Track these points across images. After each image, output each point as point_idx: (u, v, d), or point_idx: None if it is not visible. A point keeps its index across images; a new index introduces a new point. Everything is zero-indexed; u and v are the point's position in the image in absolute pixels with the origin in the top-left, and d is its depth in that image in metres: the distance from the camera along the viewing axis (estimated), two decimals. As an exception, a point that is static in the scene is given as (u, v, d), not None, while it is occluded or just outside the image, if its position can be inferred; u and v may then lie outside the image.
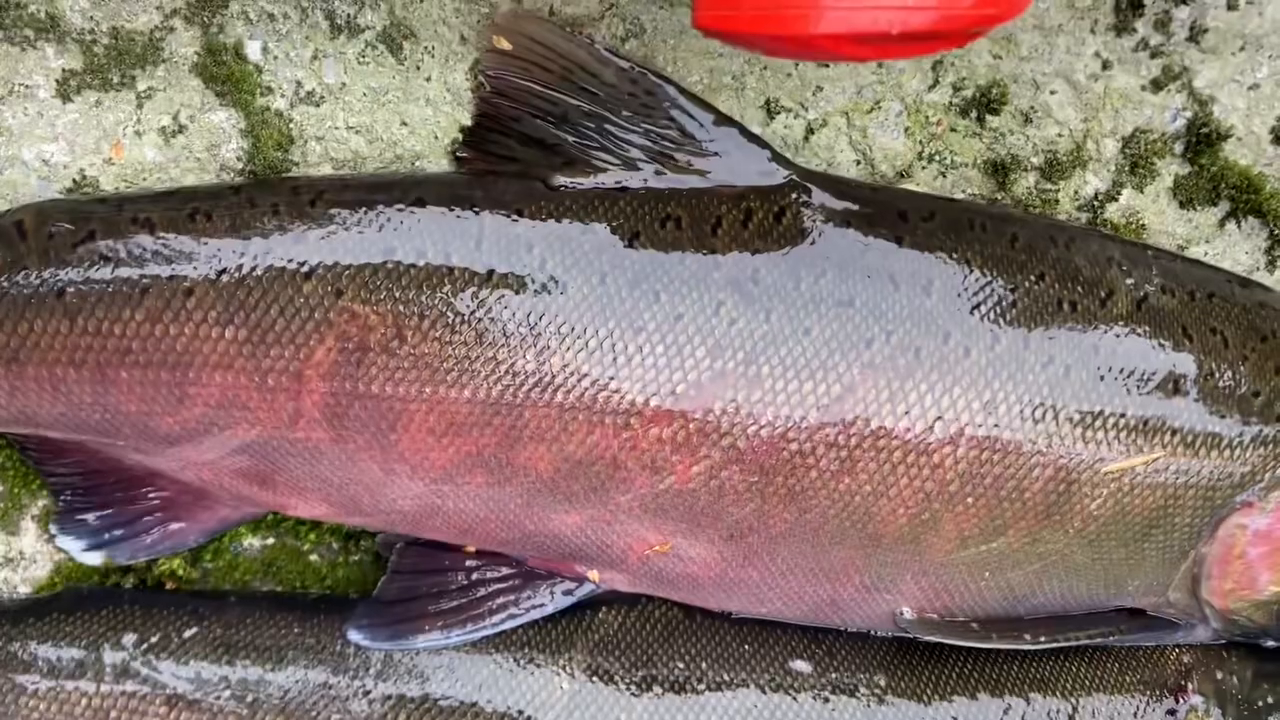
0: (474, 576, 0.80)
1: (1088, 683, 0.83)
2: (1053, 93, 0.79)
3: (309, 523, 0.85)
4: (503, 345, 0.69)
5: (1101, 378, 0.73)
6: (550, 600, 0.80)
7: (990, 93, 0.78)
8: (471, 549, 0.81)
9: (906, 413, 0.72)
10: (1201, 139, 0.81)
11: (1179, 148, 0.82)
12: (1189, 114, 0.80)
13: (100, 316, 0.70)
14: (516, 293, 0.70)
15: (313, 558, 0.87)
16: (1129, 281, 0.76)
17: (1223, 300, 0.78)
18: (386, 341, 0.69)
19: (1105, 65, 0.78)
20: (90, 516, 0.81)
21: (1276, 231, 0.84)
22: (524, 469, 0.73)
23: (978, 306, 0.72)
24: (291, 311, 0.69)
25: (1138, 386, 0.74)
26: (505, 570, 0.80)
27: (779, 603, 0.80)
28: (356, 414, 0.71)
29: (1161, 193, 0.83)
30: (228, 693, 0.77)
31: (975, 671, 0.83)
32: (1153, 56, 0.78)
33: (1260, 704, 0.84)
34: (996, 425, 0.73)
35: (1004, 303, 0.73)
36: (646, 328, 0.69)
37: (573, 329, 0.69)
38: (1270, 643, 0.85)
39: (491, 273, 0.70)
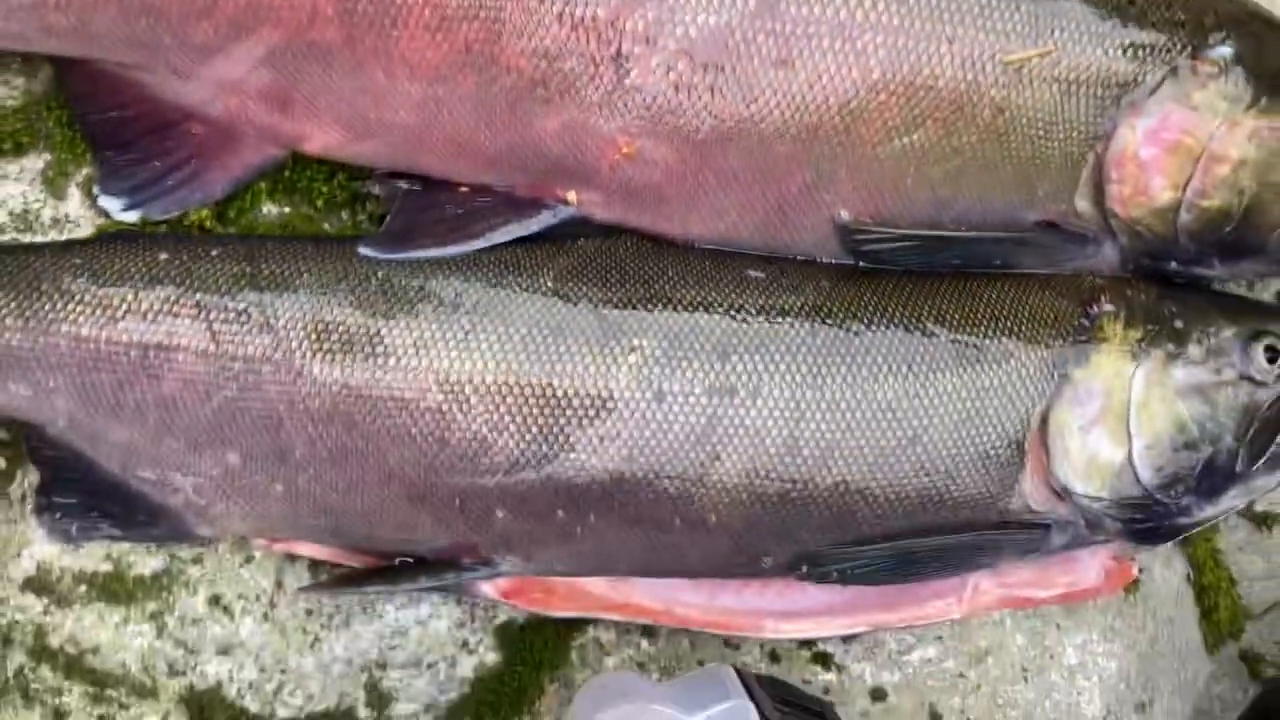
0: (467, 206, 0.92)
1: (1014, 297, 0.94)
2: None
3: (322, 187, 0.96)
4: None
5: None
6: (535, 220, 0.91)
7: None
8: (465, 188, 0.93)
9: (836, 6, 0.84)
10: None
11: None
12: None
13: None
14: None
15: (325, 225, 0.98)
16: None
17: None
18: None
19: None
20: (128, 173, 0.93)
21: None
22: (507, 67, 0.85)
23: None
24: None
25: (1028, -14, 0.87)
26: (494, 199, 0.92)
27: (734, 214, 0.91)
28: (363, 10, 0.83)
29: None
30: (254, 295, 0.88)
31: (909, 287, 0.93)
32: None
33: (1165, 313, 0.95)
34: (910, 15, 0.85)
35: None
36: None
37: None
38: (1174, 264, 0.97)
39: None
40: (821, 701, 0.97)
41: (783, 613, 0.98)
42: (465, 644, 0.99)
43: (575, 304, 0.88)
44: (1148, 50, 0.90)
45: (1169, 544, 1.03)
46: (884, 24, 0.85)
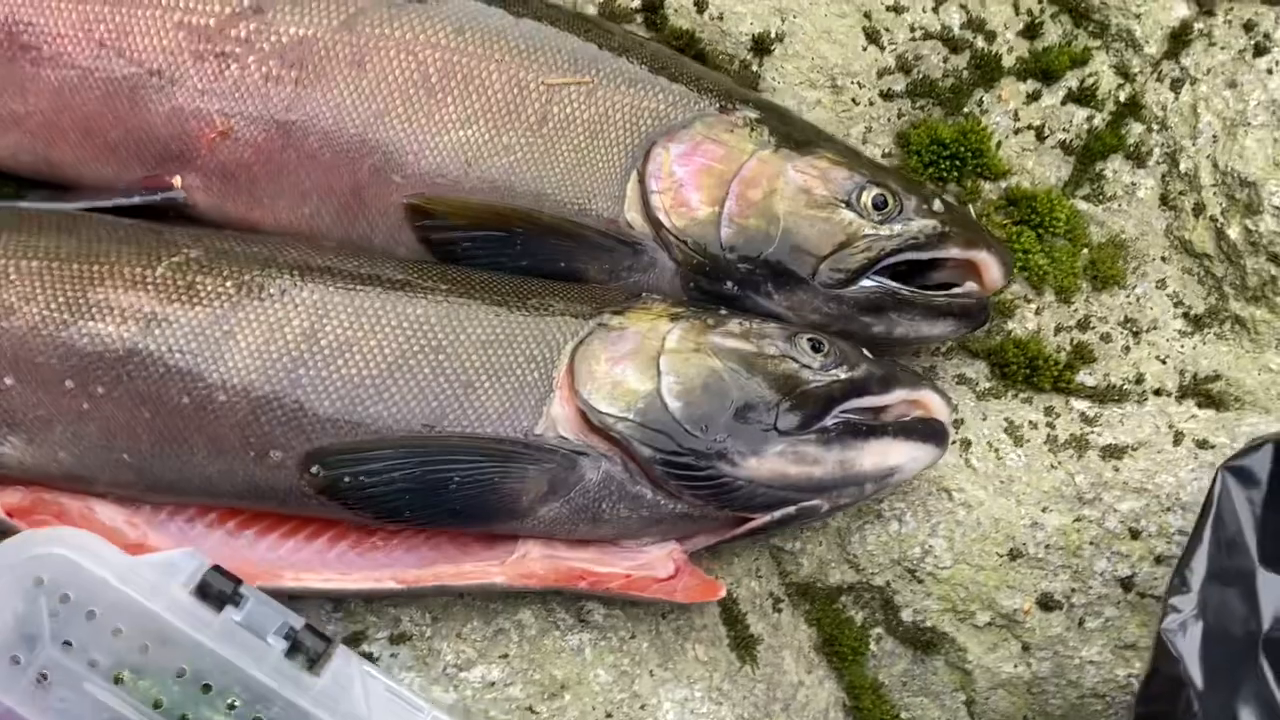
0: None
1: (565, 285, 1.01)
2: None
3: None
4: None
5: (539, 31, 1.07)
6: (141, 197, 1.03)
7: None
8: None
9: (401, 28, 1.05)
10: None
11: None
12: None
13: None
14: None
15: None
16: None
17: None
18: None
19: (572, -52, 1.25)
20: None
21: None
22: (134, 60, 1.03)
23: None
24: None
25: (572, 40, 1.07)
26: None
27: (317, 195, 1.03)
28: (17, 13, 1.04)
29: None
30: None
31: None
32: (601, -56, 1.26)
33: (709, 308, 1.01)
34: (462, 41, 1.05)
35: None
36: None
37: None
38: (730, 286, 1.05)
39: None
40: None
41: (307, 564, 0.90)
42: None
43: (138, 232, 0.97)
44: (676, 93, 1.08)
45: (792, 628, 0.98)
46: (440, 44, 1.05)
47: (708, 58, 1.25)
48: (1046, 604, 1.10)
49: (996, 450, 1.14)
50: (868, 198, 1.07)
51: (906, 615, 1.09)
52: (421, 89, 1.04)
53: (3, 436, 0.89)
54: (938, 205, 1.10)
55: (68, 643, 0.79)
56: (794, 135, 1.10)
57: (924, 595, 1.09)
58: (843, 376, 0.99)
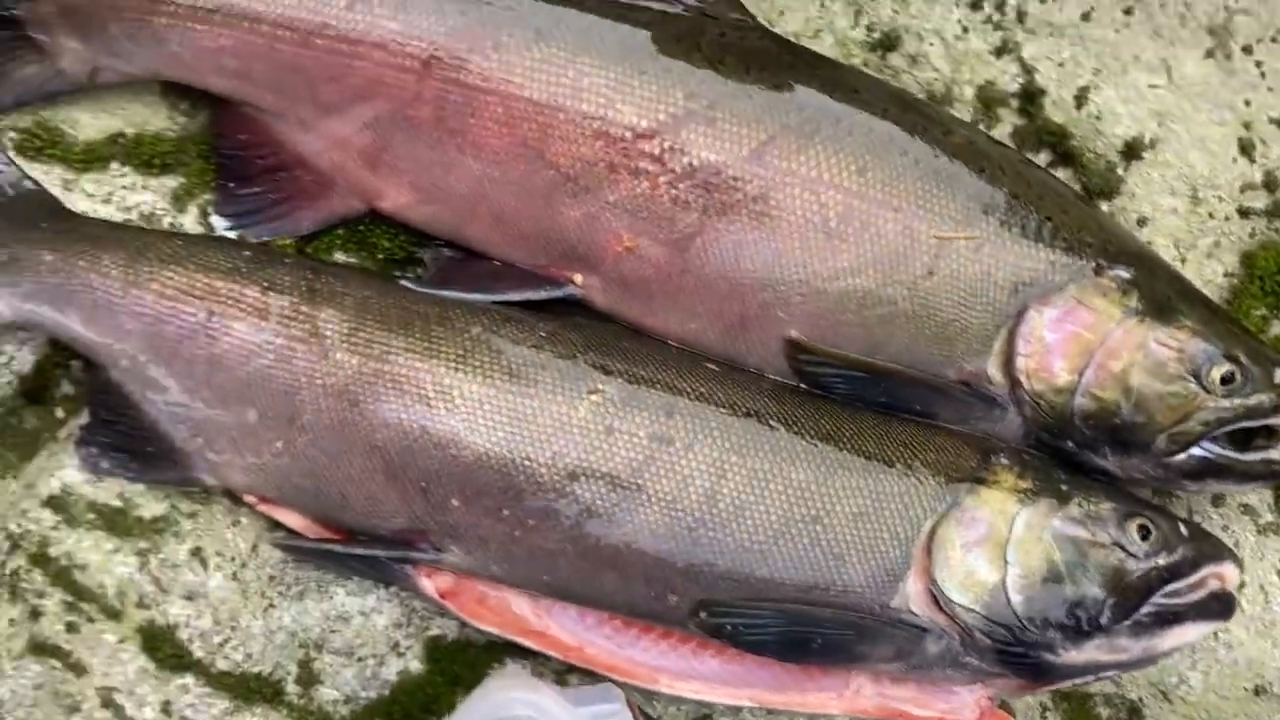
0: (494, 272, 1.14)
1: (926, 432, 1.10)
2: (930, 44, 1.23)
3: (385, 243, 1.19)
4: (548, 67, 1.08)
5: (937, 171, 1.09)
6: (544, 290, 1.12)
7: (890, 35, 1.23)
8: (496, 261, 1.15)
9: (808, 164, 1.08)
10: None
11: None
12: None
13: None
14: (561, 51, 1.09)
15: (378, 278, 1.20)
16: (964, 131, 1.14)
17: (1025, 163, 1.16)
18: (480, 52, 1.09)
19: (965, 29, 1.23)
20: (239, 201, 1.18)
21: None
22: (552, 163, 1.09)
23: (858, 103, 1.10)
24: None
25: (966, 184, 1.10)
26: (517, 270, 1.13)
27: (705, 317, 1.11)
28: (453, 99, 1.09)
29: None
30: (306, 295, 1.08)
31: (839, 406, 1.10)
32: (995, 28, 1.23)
33: (1054, 477, 1.10)
34: (864, 183, 1.08)
35: (880, 111, 1.11)
36: (650, 71, 1.08)
37: (595, 68, 1.08)
38: (1070, 444, 1.13)
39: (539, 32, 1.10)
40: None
41: (680, 672, 1.08)
42: (396, 646, 1.10)
43: (555, 349, 1.07)
44: (1058, 255, 1.11)
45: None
46: (842, 186, 1.08)
47: (1074, 155, 1.25)
48: (1276, 734, 1.24)
49: (1266, 593, 1.24)
50: (1217, 374, 1.11)
51: (1149, 724, 1.24)
52: (820, 232, 1.08)
53: (447, 545, 1.04)
54: (1278, 376, 1.14)
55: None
56: (1159, 297, 1.12)
57: (1169, 713, 1.23)
58: (1161, 564, 1.08)
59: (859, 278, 1.09)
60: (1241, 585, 1.20)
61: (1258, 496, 1.27)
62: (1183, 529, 1.11)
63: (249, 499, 1.09)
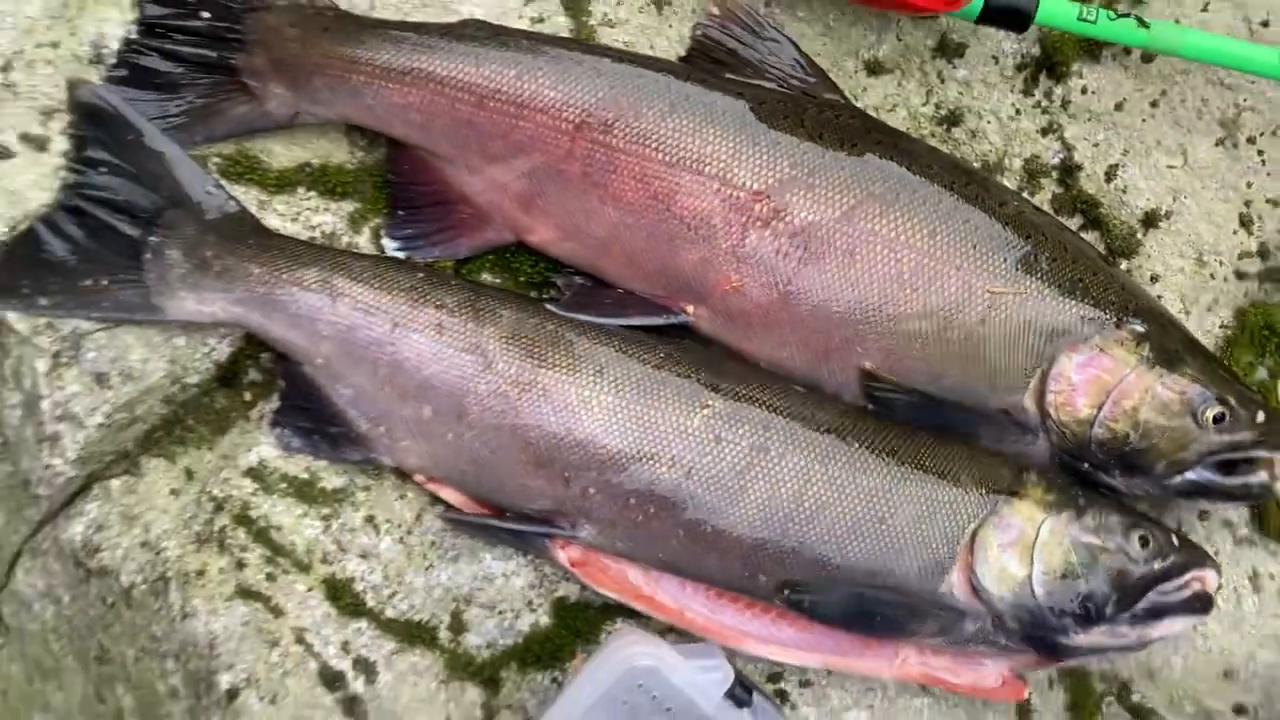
0: (619, 299, 1.37)
1: (972, 452, 1.34)
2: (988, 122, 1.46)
3: (527, 268, 1.41)
4: (679, 135, 1.31)
5: (993, 236, 1.33)
6: (661, 317, 1.35)
7: (955, 113, 1.46)
8: (620, 290, 1.38)
9: (888, 226, 1.31)
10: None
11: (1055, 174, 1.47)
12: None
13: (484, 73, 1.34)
14: (690, 121, 1.32)
15: (517, 296, 1.43)
16: (1015, 202, 1.38)
17: (1062, 229, 1.40)
18: (624, 119, 1.32)
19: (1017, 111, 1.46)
20: (407, 227, 1.40)
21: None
22: (677, 214, 1.32)
23: (930, 175, 1.34)
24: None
25: (1015, 248, 1.33)
26: (638, 299, 1.37)
27: (795, 346, 1.34)
28: (599, 158, 1.32)
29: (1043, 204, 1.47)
30: (471, 310, 1.31)
31: (903, 427, 1.34)
32: (1042, 112, 1.46)
33: (1074, 493, 1.34)
34: (933, 244, 1.32)
35: (948, 184, 1.34)
36: (762, 142, 1.32)
37: (717, 137, 1.32)
38: (1087, 466, 1.37)
39: (672, 104, 1.33)
40: (779, 707, 1.29)
41: (762, 637, 1.32)
42: (530, 603, 1.35)
43: (675, 368, 1.31)
44: (1087, 309, 1.34)
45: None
46: (915, 245, 1.32)
47: (1102, 220, 1.48)
48: (1239, 710, 1.50)
49: (1238, 595, 1.49)
50: (1210, 414, 1.35)
51: (1135, 697, 1.49)
52: (895, 283, 1.32)
53: (581, 524, 1.28)
54: (1260, 417, 1.39)
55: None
56: (1167, 348, 1.36)
57: (1152, 688, 1.49)
58: (1156, 568, 1.33)
59: (924, 322, 1.33)
60: (1219, 588, 1.46)
61: (1236, 513, 1.51)
62: (1174, 539, 1.36)
63: (417, 478, 1.33)
